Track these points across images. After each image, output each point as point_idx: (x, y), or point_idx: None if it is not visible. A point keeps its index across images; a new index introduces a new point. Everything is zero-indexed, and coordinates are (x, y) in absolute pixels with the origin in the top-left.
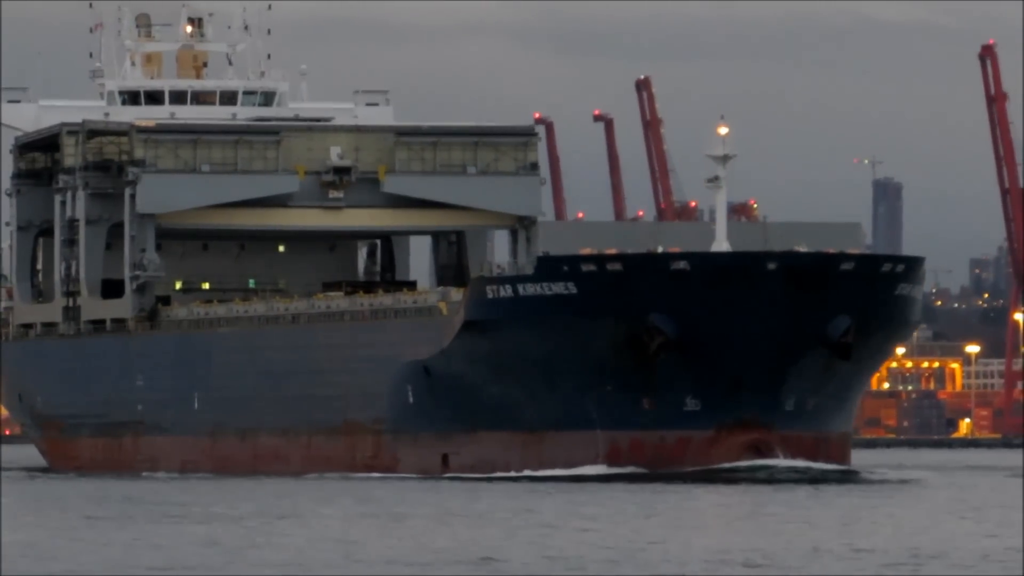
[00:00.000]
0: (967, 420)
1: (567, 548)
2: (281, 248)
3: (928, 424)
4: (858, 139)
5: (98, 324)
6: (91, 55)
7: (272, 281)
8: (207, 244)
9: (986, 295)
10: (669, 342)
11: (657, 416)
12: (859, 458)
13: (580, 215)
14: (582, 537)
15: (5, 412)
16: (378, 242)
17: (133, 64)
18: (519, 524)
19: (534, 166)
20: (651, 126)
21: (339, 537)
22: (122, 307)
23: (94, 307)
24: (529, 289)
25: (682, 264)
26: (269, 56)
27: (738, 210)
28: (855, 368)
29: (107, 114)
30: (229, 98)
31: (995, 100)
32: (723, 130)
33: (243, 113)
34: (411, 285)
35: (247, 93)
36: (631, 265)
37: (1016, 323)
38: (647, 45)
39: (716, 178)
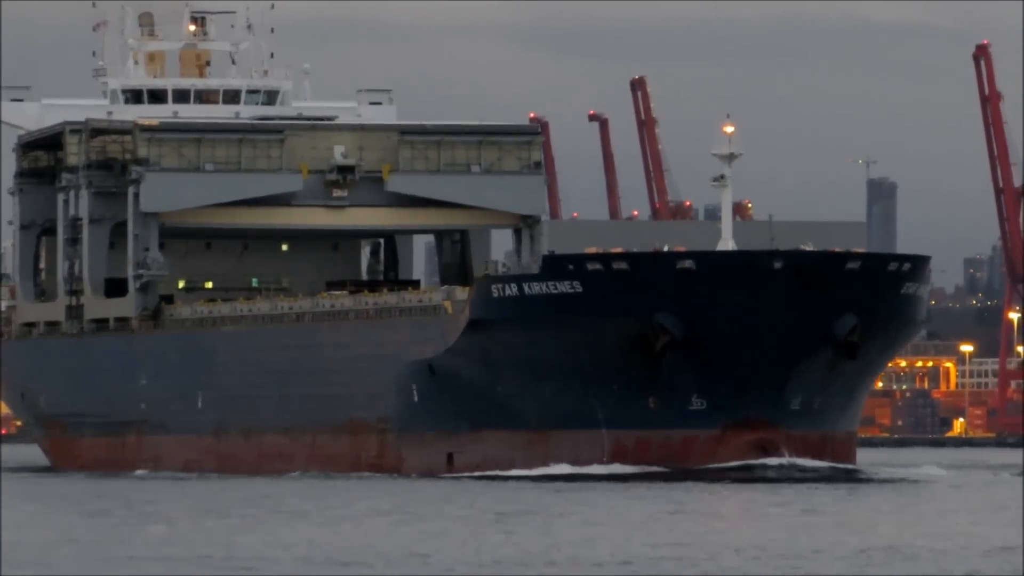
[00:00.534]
0: (961, 419)
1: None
2: (284, 247)
3: (922, 423)
4: (852, 139)
5: (101, 323)
6: (94, 54)
7: (275, 280)
8: (210, 243)
9: (980, 294)
10: (675, 341)
11: (663, 415)
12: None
13: (575, 215)
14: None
15: (5, 410)
16: (381, 241)
17: (136, 63)
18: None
19: (538, 165)
20: (646, 126)
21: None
22: (125, 306)
23: (97, 306)
24: (535, 288)
25: (688, 263)
26: (272, 55)
27: (734, 210)
28: (861, 367)
29: (110, 113)
30: (232, 97)
31: (989, 100)
32: (729, 129)
33: (246, 112)
34: (415, 284)
35: (250, 92)
36: (637, 264)
37: (1010, 322)
38: (642, 45)
39: (722, 177)
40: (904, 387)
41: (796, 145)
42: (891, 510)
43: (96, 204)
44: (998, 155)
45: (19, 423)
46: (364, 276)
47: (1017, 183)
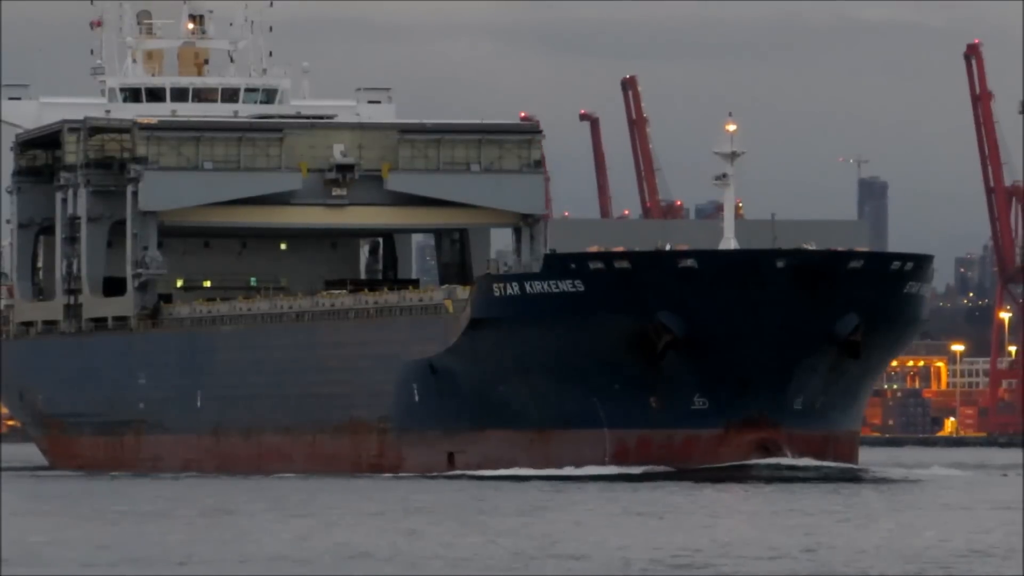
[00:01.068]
0: (952, 419)
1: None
2: (283, 246)
3: (913, 423)
4: (843, 138)
5: (100, 322)
6: (92, 52)
7: (274, 279)
8: (209, 242)
9: (971, 294)
10: (677, 340)
11: (665, 415)
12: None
13: (566, 214)
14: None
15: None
16: (380, 240)
17: (134, 61)
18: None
19: (537, 164)
20: (637, 125)
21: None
22: (124, 305)
23: (96, 305)
24: (536, 287)
25: (690, 262)
26: (271, 54)
27: None
28: (863, 366)
29: (108, 111)
30: (231, 95)
31: (980, 99)
32: (731, 127)
33: (245, 110)
34: (415, 283)
35: (249, 90)
36: (639, 263)
37: (1001, 322)
38: (633, 44)
39: (724, 175)
40: (895, 386)
41: (787, 144)
42: (935, 513)
43: (94, 203)
44: (989, 154)
45: (11, 423)
46: (363, 275)
47: (1008, 182)
